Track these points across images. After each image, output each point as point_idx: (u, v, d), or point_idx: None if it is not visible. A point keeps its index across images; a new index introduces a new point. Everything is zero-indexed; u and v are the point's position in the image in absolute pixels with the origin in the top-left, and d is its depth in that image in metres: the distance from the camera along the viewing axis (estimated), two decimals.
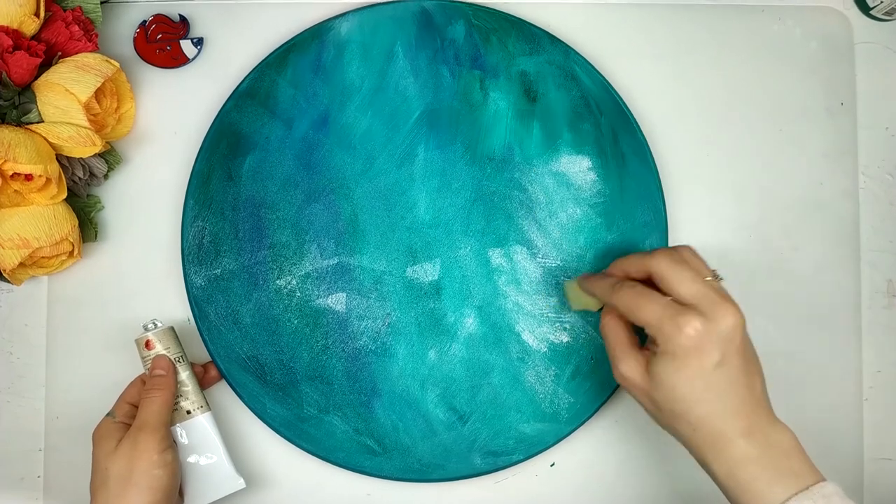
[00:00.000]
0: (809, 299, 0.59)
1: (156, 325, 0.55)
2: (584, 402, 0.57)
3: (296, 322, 0.57)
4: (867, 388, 0.59)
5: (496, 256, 0.57)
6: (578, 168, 0.58)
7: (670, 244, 0.58)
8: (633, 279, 0.49)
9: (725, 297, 0.47)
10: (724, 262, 0.59)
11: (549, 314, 0.57)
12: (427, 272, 0.57)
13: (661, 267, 0.48)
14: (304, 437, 0.56)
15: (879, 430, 0.59)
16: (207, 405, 0.55)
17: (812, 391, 0.59)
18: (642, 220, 0.58)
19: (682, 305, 0.46)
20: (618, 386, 0.57)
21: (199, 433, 0.54)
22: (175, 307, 0.58)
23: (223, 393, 0.57)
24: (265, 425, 0.56)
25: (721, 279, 0.48)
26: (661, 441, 0.58)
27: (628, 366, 0.48)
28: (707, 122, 0.60)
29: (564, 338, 0.57)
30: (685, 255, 0.49)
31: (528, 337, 0.57)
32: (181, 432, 0.54)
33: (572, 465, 0.58)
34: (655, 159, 0.58)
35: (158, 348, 0.54)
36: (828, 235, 0.60)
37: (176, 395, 0.54)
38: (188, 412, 0.54)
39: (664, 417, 0.48)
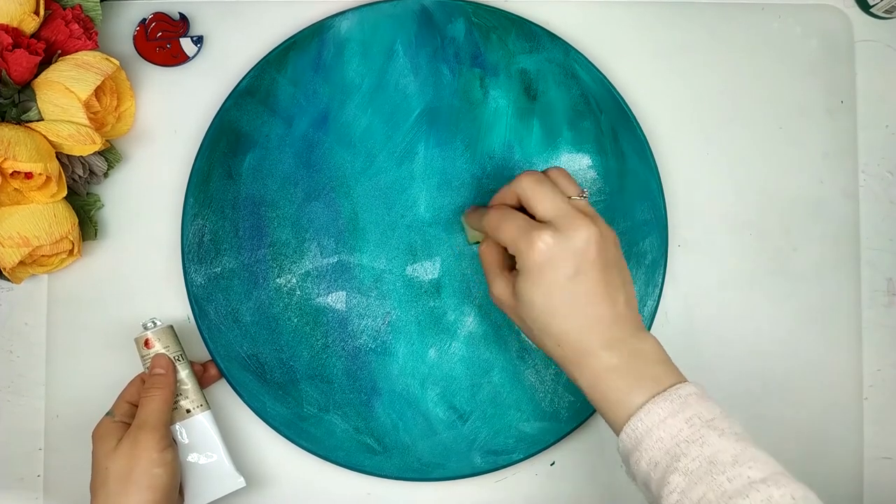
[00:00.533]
0: (809, 298, 0.59)
1: (155, 323, 0.55)
2: (585, 401, 0.56)
3: (296, 320, 0.57)
4: (867, 388, 0.59)
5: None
6: (578, 166, 0.58)
7: (670, 243, 0.58)
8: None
9: (583, 213, 0.47)
10: (724, 260, 0.59)
11: None
12: (427, 270, 0.57)
13: (523, 187, 0.48)
14: (304, 436, 0.56)
15: (879, 429, 0.59)
16: (207, 404, 0.55)
17: (812, 391, 0.59)
18: (642, 218, 0.58)
19: (539, 223, 0.46)
20: None
21: (199, 432, 0.54)
22: (175, 306, 0.58)
23: (223, 392, 0.57)
24: (265, 424, 0.56)
25: (585, 196, 0.48)
26: None
27: (498, 287, 0.49)
28: (707, 121, 0.60)
29: None
30: (552, 175, 0.49)
31: None
32: (181, 431, 0.54)
33: (572, 464, 0.58)
34: (655, 158, 0.58)
35: (157, 347, 0.54)
36: (828, 235, 0.60)
37: (175, 393, 0.54)
38: (188, 411, 0.54)
39: (533, 335, 0.48)
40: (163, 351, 0.54)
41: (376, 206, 0.58)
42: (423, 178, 0.58)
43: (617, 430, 0.45)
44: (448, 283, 0.57)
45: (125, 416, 0.53)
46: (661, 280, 0.57)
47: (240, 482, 0.54)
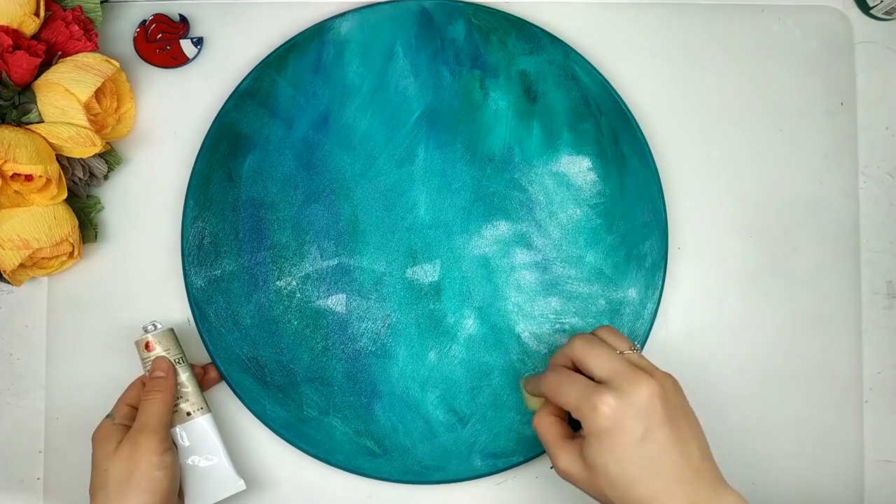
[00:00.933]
0: (809, 299, 0.59)
1: (156, 326, 0.55)
2: None
3: (296, 323, 0.57)
4: (867, 390, 0.59)
5: (496, 257, 0.57)
6: (578, 168, 0.58)
7: (670, 245, 0.58)
8: None
9: (640, 368, 0.46)
10: (725, 261, 0.59)
11: (549, 315, 0.57)
12: (427, 273, 0.57)
13: (576, 350, 0.47)
14: (304, 439, 0.56)
15: (880, 431, 0.59)
16: (207, 407, 0.55)
17: (812, 391, 0.59)
18: (642, 220, 0.58)
19: (597, 384, 0.45)
20: None
21: (199, 435, 0.54)
22: (175, 308, 0.58)
23: (223, 394, 0.57)
24: (265, 427, 0.56)
25: (637, 350, 0.48)
26: None
27: (565, 459, 0.47)
28: (707, 122, 0.60)
29: (564, 339, 0.57)
30: (601, 334, 0.49)
31: (528, 338, 0.57)
32: (181, 434, 0.54)
33: None
34: (655, 159, 0.58)
35: (158, 350, 0.54)
36: (828, 235, 0.60)
37: (176, 396, 0.54)
38: (188, 413, 0.54)
39: (610, 500, 0.46)
40: (163, 354, 0.54)
41: (376, 208, 0.57)
42: (423, 180, 0.58)
43: None
44: (448, 286, 0.57)
45: (125, 419, 0.53)
46: (661, 282, 0.57)
47: (240, 485, 0.54)
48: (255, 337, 0.57)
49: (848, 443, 0.58)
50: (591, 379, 0.46)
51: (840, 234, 0.60)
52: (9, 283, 0.55)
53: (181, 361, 0.54)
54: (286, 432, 0.56)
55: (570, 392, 0.46)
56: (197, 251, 0.57)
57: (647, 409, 0.44)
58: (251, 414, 0.56)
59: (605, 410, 0.44)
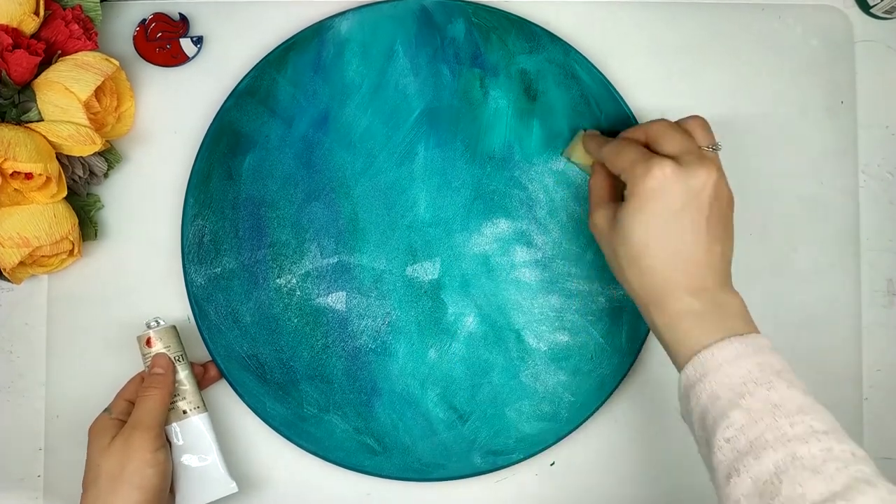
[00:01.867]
0: (809, 299, 0.59)
1: (158, 322, 0.55)
2: (584, 402, 0.57)
3: (296, 321, 0.57)
4: (867, 388, 0.59)
5: (496, 255, 0.57)
6: (578, 167, 0.58)
7: None
8: None
9: (711, 157, 0.46)
10: None
11: (549, 313, 0.57)
12: (427, 271, 0.57)
13: (655, 128, 0.48)
14: (304, 437, 0.56)
15: (879, 429, 0.59)
16: (204, 406, 0.55)
17: (812, 389, 0.59)
18: None
19: (661, 155, 0.46)
20: (617, 385, 0.57)
21: (194, 434, 0.54)
22: (175, 306, 0.58)
23: (223, 392, 0.57)
24: (265, 424, 0.56)
25: (718, 148, 0.48)
26: (660, 441, 0.58)
27: (599, 214, 0.49)
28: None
29: (564, 337, 0.57)
30: (689, 124, 0.49)
31: (528, 336, 0.57)
32: (176, 431, 0.54)
33: (572, 465, 0.58)
34: None
35: (158, 346, 0.54)
36: (828, 235, 0.60)
37: (173, 394, 0.54)
38: (184, 412, 0.54)
39: (619, 266, 0.48)
40: (163, 350, 0.54)
41: (376, 206, 0.58)
42: (423, 178, 0.58)
43: (681, 366, 0.45)
44: (448, 284, 0.57)
45: (122, 414, 0.53)
46: None
47: (232, 487, 0.54)
48: (255, 335, 0.57)
49: None
50: None
51: (840, 232, 0.60)
52: (9, 281, 0.55)
53: (181, 359, 0.54)
54: (286, 430, 0.56)
55: (628, 154, 0.47)
56: (197, 249, 0.57)
57: (695, 190, 0.45)
58: (251, 411, 0.56)
59: (657, 173, 0.45)
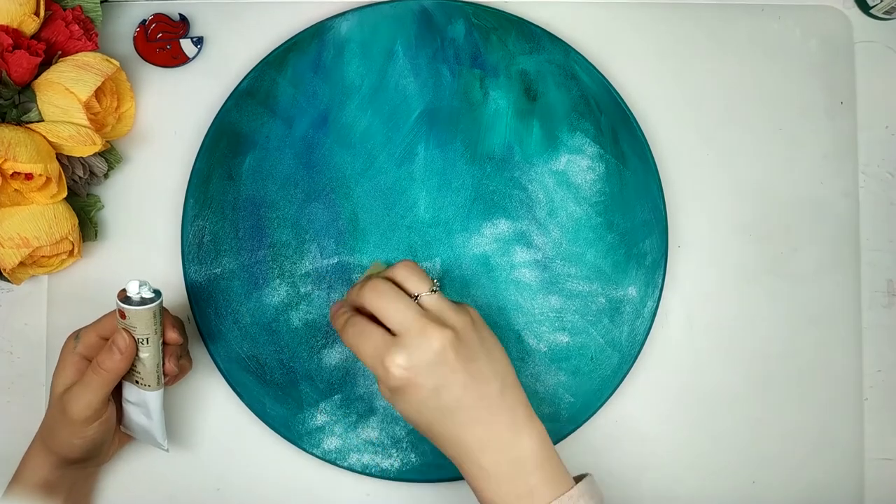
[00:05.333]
0: (809, 298, 0.59)
1: (140, 293, 0.50)
2: (584, 402, 0.57)
3: (296, 322, 0.57)
4: (867, 388, 0.59)
5: (496, 255, 0.57)
6: (578, 167, 0.58)
7: (670, 244, 0.58)
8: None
9: (433, 316, 0.46)
10: (724, 260, 0.59)
11: (549, 314, 0.57)
12: (427, 271, 0.57)
13: (366, 301, 0.47)
14: (303, 437, 0.56)
15: (880, 429, 0.59)
16: (158, 385, 0.52)
17: (812, 391, 0.59)
18: (642, 219, 0.58)
19: (391, 339, 0.45)
20: (618, 386, 0.57)
21: (141, 400, 0.52)
22: (175, 306, 0.58)
23: (223, 392, 0.57)
24: (265, 425, 0.56)
25: (436, 289, 0.47)
26: (660, 441, 0.58)
27: (382, 390, 0.48)
28: (707, 122, 0.60)
29: (564, 338, 0.57)
30: (398, 276, 0.48)
31: (528, 336, 0.57)
32: (127, 388, 0.52)
33: (572, 466, 0.58)
34: (655, 158, 0.58)
35: (126, 322, 0.50)
36: (828, 235, 0.60)
37: (124, 372, 0.51)
38: (136, 382, 0.52)
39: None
40: (128, 328, 0.50)
41: (376, 207, 0.58)
42: (423, 179, 0.58)
43: None
44: (448, 284, 0.57)
45: (88, 350, 0.51)
46: (661, 281, 0.57)
47: (164, 447, 0.54)
48: (254, 335, 0.57)
49: (848, 441, 0.58)
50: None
51: (840, 233, 0.60)
52: (9, 281, 0.55)
53: (146, 342, 0.51)
54: (285, 430, 0.56)
55: (364, 351, 0.46)
56: (197, 249, 0.57)
57: (438, 362, 0.45)
58: (251, 412, 0.56)
59: (395, 373, 0.45)
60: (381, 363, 0.45)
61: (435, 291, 0.47)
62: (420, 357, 0.45)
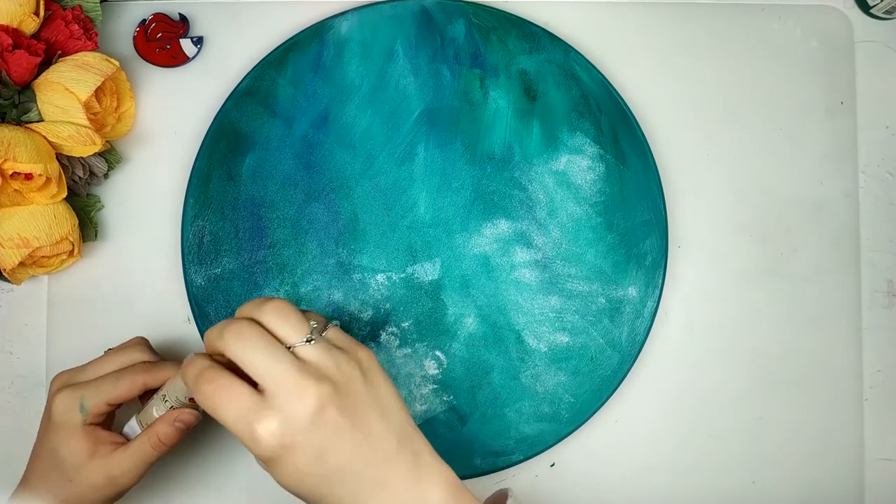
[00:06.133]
0: (809, 299, 0.59)
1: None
2: (584, 402, 0.57)
3: None
4: (867, 388, 0.59)
5: (496, 256, 0.57)
6: (578, 167, 0.58)
7: (670, 244, 0.58)
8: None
9: (309, 372, 0.39)
10: (725, 261, 0.59)
11: (549, 314, 0.57)
12: (427, 271, 0.57)
13: (229, 348, 0.40)
14: None
15: (880, 430, 0.59)
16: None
17: (812, 391, 0.59)
18: (642, 219, 0.58)
19: (259, 399, 0.39)
20: (617, 386, 0.57)
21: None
22: (175, 307, 0.58)
23: None
24: None
25: (311, 334, 0.41)
26: (660, 442, 0.58)
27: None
28: (707, 122, 0.60)
29: (564, 338, 0.57)
30: (269, 318, 0.41)
31: (528, 336, 0.57)
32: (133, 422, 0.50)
33: (572, 466, 0.58)
34: (655, 158, 0.58)
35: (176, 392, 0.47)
36: (828, 235, 0.60)
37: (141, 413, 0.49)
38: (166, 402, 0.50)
39: None
40: (178, 397, 0.47)
41: (376, 207, 0.58)
42: (423, 179, 0.58)
43: None
44: (448, 285, 0.57)
45: (97, 418, 0.48)
46: (661, 281, 0.57)
47: None
48: None
49: (848, 441, 0.58)
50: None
51: (840, 233, 0.60)
52: (9, 281, 0.55)
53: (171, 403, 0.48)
54: None
55: (227, 414, 0.39)
56: (197, 250, 0.57)
57: (317, 424, 0.39)
58: None
59: (269, 442, 0.38)
60: (248, 431, 0.38)
61: (310, 341, 0.40)
62: (296, 420, 0.38)
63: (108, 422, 0.51)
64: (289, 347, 0.40)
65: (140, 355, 0.51)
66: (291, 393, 0.38)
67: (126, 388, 0.48)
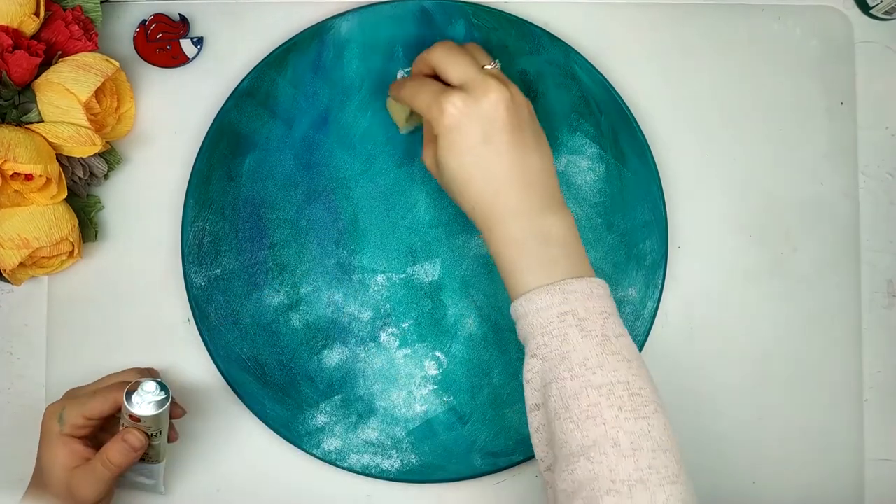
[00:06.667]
0: (809, 299, 0.59)
1: (155, 399, 0.48)
2: None
3: (296, 322, 0.57)
4: (867, 389, 0.59)
5: None
6: (578, 167, 0.58)
7: (670, 244, 0.58)
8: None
9: (493, 76, 0.47)
10: (725, 261, 0.59)
11: None
12: (427, 272, 0.57)
13: (435, 55, 0.49)
14: (303, 438, 0.56)
15: (879, 430, 0.59)
16: (165, 456, 0.53)
17: (812, 391, 0.59)
18: (642, 219, 0.58)
19: (450, 88, 0.47)
20: None
21: (149, 470, 0.53)
22: (175, 307, 0.58)
23: (223, 394, 0.57)
24: (265, 425, 0.56)
25: (497, 66, 0.50)
26: None
27: (427, 154, 0.50)
28: (707, 122, 0.60)
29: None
30: (467, 46, 0.50)
31: None
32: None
33: None
34: (655, 159, 0.58)
35: (141, 423, 0.49)
36: (828, 235, 0.60)
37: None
38: (143, 459, 0.51)
39: (453, 196, 0.49)
40: (143, 427, 0.49)
41: (376, 207, 0.58)
42: (423, 179, 0.58)
43: (511, 298, 0.47)
44: (448, 285, 0.57)
45: (75, 430, 0.50)
46: (661, 281, 0.57)
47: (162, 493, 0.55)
48: (254, 336, 0.57)
49: (848, 442, 0.58)
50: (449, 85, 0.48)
51: (840, 233, 0.60)
52: (9, 282, 0.55)
53: (158, 434, 0.50)
54: (286, 431, 0.56)
55: (423, 96, 0.48)
56: (197, 250, 0.57)
57: (491, 114, 0.46)
58: (251, 412, 0.56)
59: (450, 111, 0.46)
60: (436, 103, 0.46)
61: (496, 66, 0.49)
62: (476, 102, 0.46)
63: (94, 436, 0.52)
64: (481, 66, 0.48)
65: (132, 376, 0.53)
66: (480, 84, 0.47)
67: (99, 403, 0.50)
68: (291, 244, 0.57)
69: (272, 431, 0.56)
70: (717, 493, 0.58)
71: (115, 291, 0.58)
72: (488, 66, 0.49)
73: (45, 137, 0.52)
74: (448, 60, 0.48)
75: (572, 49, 0.58)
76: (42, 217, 0.53)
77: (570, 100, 0.58)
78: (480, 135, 0.46)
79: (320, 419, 0.56)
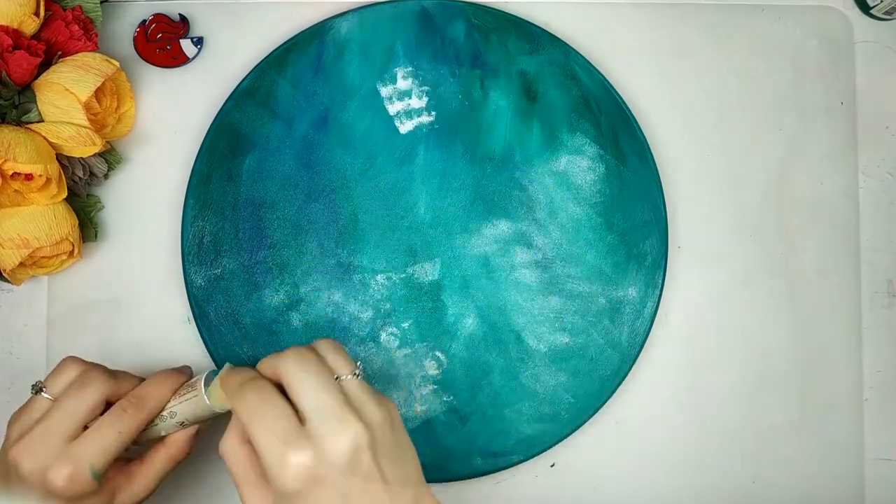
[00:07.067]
0: (809, 299, 0.59)
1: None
2: (584, 403, 0.57)
3: (296, 322, 0.57)
4: (867, 388, 0.59)
5: (496, 256, 0.57)
6: (578, 167, 0.58)
7: (670, 244, 0.58)
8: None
9: (351, 405, 0.40)
10: (725, 261, 0.59)
11: (549, 314, 0.57)
12: (427, 272, 0.57)
13: (285, 371, 0.40)
14: None
15: (879, 430, 0.59)
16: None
17: (812, 390, 0.59)
18: (642, 219, 0.58)
19: (298, 428, 0.39)
20: (618, 386, 0.57)
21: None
22: (175, 307, 0.58)
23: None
24: None
25: (359, 374, 0.42)
26: (660, 441, 0.58)
27: (229, 439, 0.42)
28: (707, 122, 0.60)
29: (564, 338, 0.57)
30: (322, 350, 0.42)
31: (528, 337, 0.57)
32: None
33: (572, 466, 0.58)
34: (655, 158, 0.58)
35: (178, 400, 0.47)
36: (828, 235, 0.60)
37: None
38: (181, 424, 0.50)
39: None
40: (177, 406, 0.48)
41: (376, 207, 0.58)
42: (423, 179, 0.58)
43: None
44: (448, 285, 0.57)
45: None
46: (661, 281, 0.57)
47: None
48: (255, 336, 0.57)
49: (848, 441, 0.58)
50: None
51: (840, 233, 0.60)
52: (9, 282, 0.55)
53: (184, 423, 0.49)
54: None
55: (263, 432, 0.39)
56: (197, 250, 0.57)
57: (349, 465, 0.38)
58: None
59: (296, 471, 0.38)
60: (279, 454, 0.38)
61: (357, 375, 0.42)
62: (332, 457, 0.38)
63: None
64: (336, 378, 0.41)
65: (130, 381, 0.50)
66: (334, 426, 0.39)
67: (136, 425, 0.47)
68: (291, 244, 0.57)
69: None
70: (717, 493, 0.58)
71: (115, 291, 0.58)
72: (348, 378, 0.41)
73: (45, 137, 0.52)
74: (298, 381, 0.40)
75: (572, 49, 0.58)
76: (42, 217, 0.53)
77: (570, 100, 0.58)
78: (340, 494, 0.38)
79: None
